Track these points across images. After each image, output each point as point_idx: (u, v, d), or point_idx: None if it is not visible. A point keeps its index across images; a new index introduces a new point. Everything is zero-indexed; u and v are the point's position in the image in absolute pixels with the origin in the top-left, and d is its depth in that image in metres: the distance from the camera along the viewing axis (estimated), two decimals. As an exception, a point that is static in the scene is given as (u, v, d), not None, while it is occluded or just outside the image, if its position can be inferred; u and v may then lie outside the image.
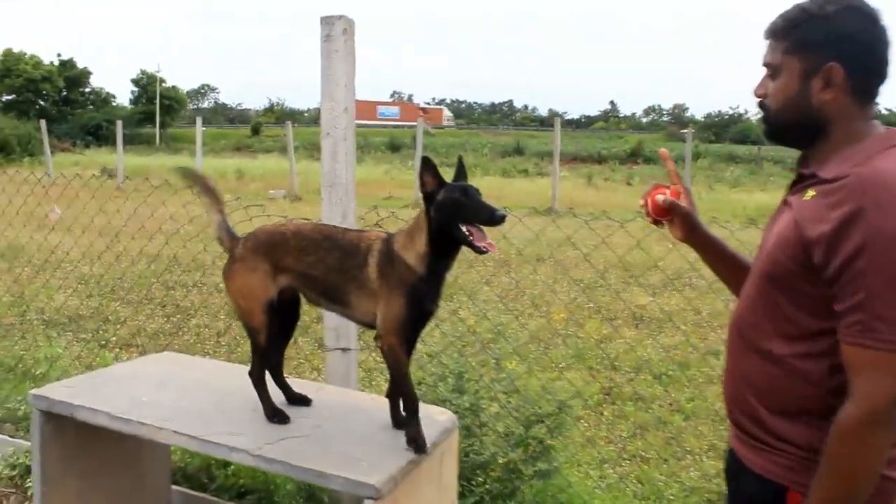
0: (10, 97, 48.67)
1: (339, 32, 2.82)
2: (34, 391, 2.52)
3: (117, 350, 5.78)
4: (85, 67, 54.19)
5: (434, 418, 2.40)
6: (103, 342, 6.00)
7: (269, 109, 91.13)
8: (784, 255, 1.53)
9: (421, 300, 2.15)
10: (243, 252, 2.37)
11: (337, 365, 2.95)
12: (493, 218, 2.03)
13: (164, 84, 57.22)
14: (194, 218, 4.28)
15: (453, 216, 2.07)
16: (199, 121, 20.71)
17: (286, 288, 2.34)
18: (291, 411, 2.40)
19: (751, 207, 17.66)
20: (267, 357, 2.39)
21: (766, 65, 1.66)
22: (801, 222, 1.50)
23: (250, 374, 2.39)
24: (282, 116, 75.40)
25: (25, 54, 50.37)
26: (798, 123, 1.61)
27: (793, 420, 1.56)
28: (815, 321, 1.51)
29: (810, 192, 1.53)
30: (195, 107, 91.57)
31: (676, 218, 1.91)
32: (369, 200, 18.11)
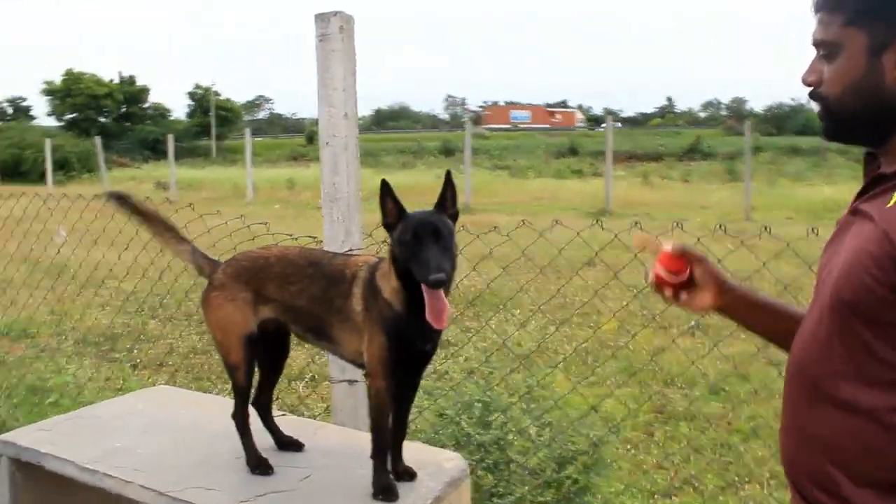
0: (71, 115, 50.17)
1: (335, 30, 2.55)
2: (2, 437, 2.29)
3: (147, 371, 5.62)
4: (144, 85, 55.59)
5: (441, 466, 2.09)
6: (135, 363, 5.85)
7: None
8: (870, 278, 1.16)
9: (404, 340, 1.85)
10: (223, 279, 2.10)
11: (344, 399, 2.66)
12: (427, 281, 1.70)
13: (218, 97, 58.22)
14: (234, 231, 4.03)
15: (405, 262, 1.77)
16: (247, 132, 20.86)
17: (269, 320, 2.07)
18: (282, 458, 2.13)
19: (817, 202, 16.84)
20: (248, 397, 2.12)
21: (817, 44, 1.31)
22: (894, 234, 1.14)
23: (233, 416, 2.12)
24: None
25: (85, 74, 51.83)
26: (868, 113, 1.26)
27: (889, 495, 1.18)
28: None
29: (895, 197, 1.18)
30: (251, 118, 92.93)
31: (697, 268, 1.53)
32: (420, 207, 17.93)
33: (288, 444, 2.21)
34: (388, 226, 1.84)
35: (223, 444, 2.19)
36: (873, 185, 1.27)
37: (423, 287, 1.72)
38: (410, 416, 2.13)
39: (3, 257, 6.18)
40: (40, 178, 24.15)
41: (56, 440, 2.25)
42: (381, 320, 1.84)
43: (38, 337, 6.58)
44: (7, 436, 2.30)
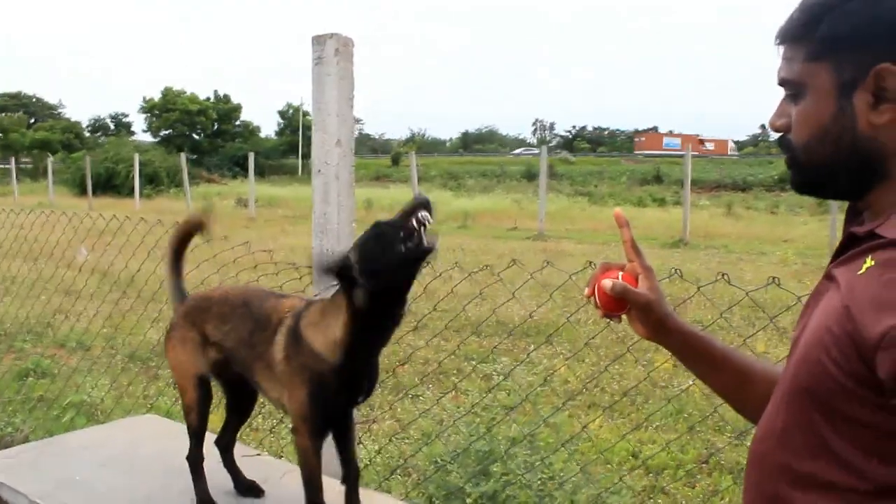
0: (167, 132, 52.39)
1: (330, 53, 2.44)
2: (-32, 463, 2.25)
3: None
4: (237, 103, 57.48)
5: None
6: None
7: (411, 139, 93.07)
8: (829, 361, 0.94)
9: (331, 395, 1.69)
10: (176, 319, 2.04)
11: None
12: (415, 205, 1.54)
13: (308, 116, 59.61)
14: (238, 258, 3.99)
15: (381, 256, 1.57)
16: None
17: (219, 361, 1.96)
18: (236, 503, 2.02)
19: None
20: (202, 439, 2.01)
21: (782, 82, 1.10)
22: (855, 310, 0.91)
23: (187, 458, 2.02)
24: (423, 146, 76.82)
25: (185, 92, 54.11)
26: (840, 163, 1.04)
27: None
28: (883, 468, 0.93)
29: (867, 262, 0.95)
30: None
31: (634, 310, 1.33)
32: (493, 231, 17.79)
33: (247, 489, 2.10)
34: (341, 274, 1.63)
35: (180, 483, 2.09)
36: (848, 246, 1.05)
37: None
38: (403, 460, 1.99)
39: (78, 269, 6.34)
40: (131, 192, 25.08)
41: (16, 469, 2.20)
42: (303, 373, 1.69)
43: (93, 349, 6.69)
44: (-27, 461, 2.26)
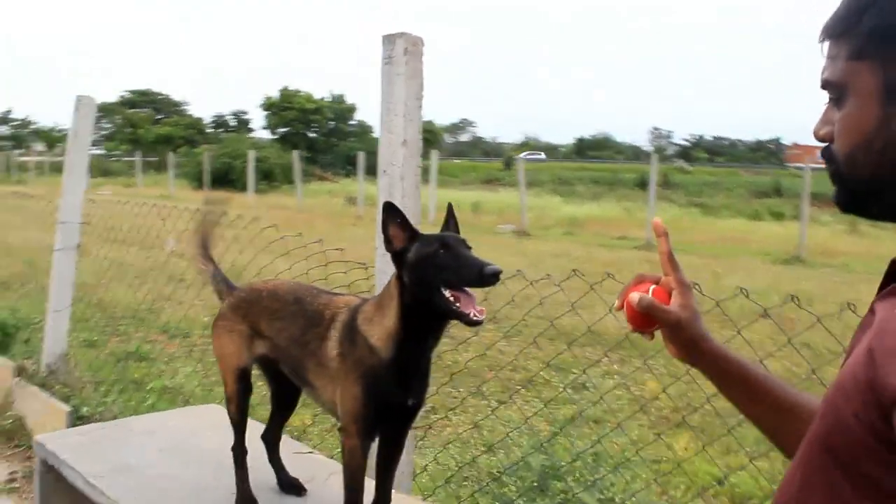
0: (284, 129, 54.08)
1: (400, 52, 2.41)
2: (38, 437, 2.35)
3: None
4: (352, 104, 58.72)
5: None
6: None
7: (524, 144, 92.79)
8: (849, 411, 0.80)
9: (384, 392, 1.65)
10: (225, 309, 2.06)
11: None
12: (482, 276, 1.48)
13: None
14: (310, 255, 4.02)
15: (431, 277, 1.55)
16: (433, 154, 21.44)
17: (265, 357, 1.97)
18: (277, 500, 2.02)
19: None
20: (243, 431, 2.03)
21: (824, 84, 0.97)
22: (878, 353, 0.77)
23: (232, 449, 2.03)
24: (536, 150, 76.45)
25: (300, 91, 55.74)
26: (884, 177, 0.91)
27: None
28: None
29: None
30: (453, 140, 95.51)
31: (665, 329, 1.21)
32: (600, 239, 17.45)
33: (289, 487, 2.10)
34: (397, 252, 1.66)
35: (225, 476, 2.10)
36: (894, 276, 0.93)
37: (455, 294, 1.52)
38: (458, 468, 1.94)
39: (183, 258, 6.57)
40: (245, 186, 25.99)
41: (79, 448, 2.27)
42: (358, 369, 1.67)
43: (192, 336, 6.94)
44: (42, 437, 2.35)
